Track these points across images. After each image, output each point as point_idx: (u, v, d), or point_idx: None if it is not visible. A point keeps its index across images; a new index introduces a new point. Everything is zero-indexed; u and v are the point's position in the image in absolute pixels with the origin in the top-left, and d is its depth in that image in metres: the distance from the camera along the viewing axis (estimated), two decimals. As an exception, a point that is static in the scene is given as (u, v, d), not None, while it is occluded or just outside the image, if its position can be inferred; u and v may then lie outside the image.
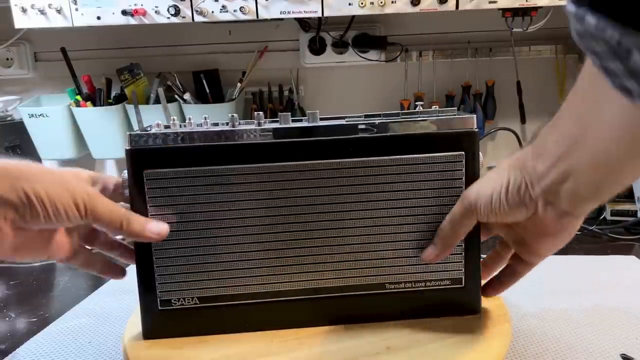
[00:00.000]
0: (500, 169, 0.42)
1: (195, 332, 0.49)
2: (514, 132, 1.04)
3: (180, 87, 1.12)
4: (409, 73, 1.17)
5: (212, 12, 0.95)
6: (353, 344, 0.47)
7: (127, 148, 0.46)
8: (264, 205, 0.47)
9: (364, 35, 1.14)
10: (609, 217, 0.88)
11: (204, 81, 1.13)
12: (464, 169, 0.47)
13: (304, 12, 0.94)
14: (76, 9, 0.96)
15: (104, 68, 1.16)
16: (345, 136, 0.46)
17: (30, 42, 1.24)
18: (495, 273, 0.51)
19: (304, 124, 0.47)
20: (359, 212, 0.47)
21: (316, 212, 0.47)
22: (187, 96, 1.10)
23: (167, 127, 0.48)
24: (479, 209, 0.42)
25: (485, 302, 0.51)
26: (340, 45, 1.16)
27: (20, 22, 0.99)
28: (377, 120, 0.46)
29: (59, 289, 0.73)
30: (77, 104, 1.13)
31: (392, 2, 0.93)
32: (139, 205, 0.46)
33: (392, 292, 0.49)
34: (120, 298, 0.67)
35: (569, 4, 0.24)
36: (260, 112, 0.48)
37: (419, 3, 0.92)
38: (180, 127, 0.47)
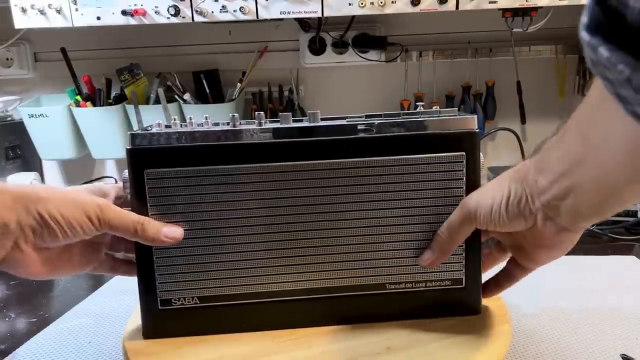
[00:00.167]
0: (500, 180, 0.42)
1: (196, 331, 0.49)
2: (514, 132, 1.04)
3: (180, 87, 1.12)
4: (409, 73, 1.17)
5: (212, 12, 0.95)
6: (353, 344, 0.47)
7: (128, 147, 0.46)
8: (264, 205, 0.47)
9: (364, 35, 1.14)
10: (609, 217, 0.88)
11: (204, 81, 1.13)
12: (464, 169, 0.47)
13: (304, 12, 0.94)
14: (76, 9, 0.96)
15: (104, 68, 1.17)
16: (346, 136, 0.46)
17: (30, 42, 1.24)
18: (487, 271, 0.51)
19: (305, 124, 0.47)
20: (359, 212, 0.47)
21: (316, 212, 0.47)
22: (187, 96, 1.10)
23: (167, 126, 0.48)
24: (479, 218, 0.43)
25: (486, 303, 0.51)
26: (340, 46, 1.16)
27: (20, 22, 0.99)
28: (377, 121, 0.46)
29: (59, 289, 0.73)
30: (77, 104, 1.13)
31: (392, 2, 0.93)
32: (139, 205, 0.46)
33: (393, 293, 0.49)
34: (120, 298, 0.67)
35: (582, 32, 0.24)
36: (261, 112, 0.48)
37: (419, 3, 0.92)
38: (181, 126, 0.47)
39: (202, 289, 0.48)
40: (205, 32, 1.18)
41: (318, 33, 1.14)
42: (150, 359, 0.46)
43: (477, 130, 0.47)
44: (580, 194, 0.36)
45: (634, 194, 0.34)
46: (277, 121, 0.47)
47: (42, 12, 0.97)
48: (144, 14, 0.96)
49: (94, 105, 1.14)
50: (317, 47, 1.16)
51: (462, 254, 0.48)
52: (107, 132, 1.14)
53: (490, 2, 0.92)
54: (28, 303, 0.68)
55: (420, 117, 0.47)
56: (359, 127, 0.46)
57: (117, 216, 0.43)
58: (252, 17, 0.95)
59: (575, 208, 0.37)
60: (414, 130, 0.46)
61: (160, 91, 0.96)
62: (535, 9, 0.97)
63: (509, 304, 0.53)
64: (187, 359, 0.46)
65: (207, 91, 1.13)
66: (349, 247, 0.48)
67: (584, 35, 0.24)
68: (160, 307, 0.48)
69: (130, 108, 1.12)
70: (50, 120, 1.14)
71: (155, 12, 0.96)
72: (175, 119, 0.48)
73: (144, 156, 0.45)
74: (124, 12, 0.96)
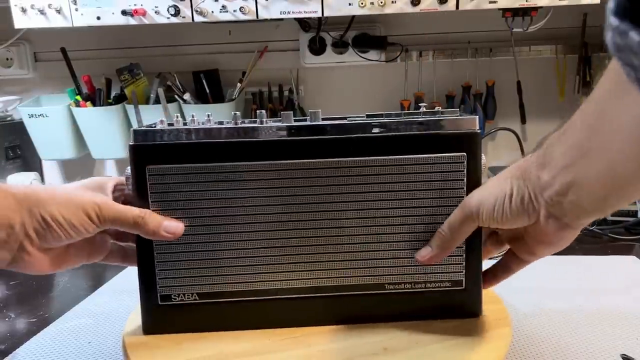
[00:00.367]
0: (501, 177, 0.42)
1: (195, 328, 0.49)
2: (514, 132, 1.04)
3: (180, 87, 1.12)
4: (409, 73, 1.17)
5: (212, 12, 0.95)
6: (351, 343, 0.47)
7: (131, 144, 0.46)
8: (264, 202, 0.47)
9: (364, 35, 1.14)
10: (609, 217, 0.88)
11: (204, 81, 1.13)
12: (465, 170, 0.46)
13: (304, 12, 0.94)
14: (76, 9, 0.96)
15: (104, 68, 1.17)
16: (348, 135, 0.46)
17: (30, 42, 1.24)
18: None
19: (307, 122, 0.47)
20: (359, 212, 0.47)
21: (316, 210, 0.47)
22: (187, 96, 1.10)
23: (170, 124, 0.48)
24: (481, 216, 0.42)
25: (486, 306, 0.50)
26: (340, 45, 1.16)
27: (20, 22, 0.99)
28: (381, 120, 0.46)
29: (59, 289, 0.73)
30: (77, 104, 1.13)
31: (392, 2, 0.93)
32: (141, 201, 0.46)
33: (392, 293, 0.49)
34: (120, 298, 0.67)
35: (610, 16, 0.24)
36: (262, 111, 0.48)
37: (419, 3, 0.92)
38: (184, 124, 0.47)
39: (201, 285, 0.48)
40: (205, 32, 1.18)
41: (318, 33, 1.14)
42: (149, 354, 0.46)
43: (478, 131, 0.47)
44: (583, 189, 0.35)
45: (639, 189, 0.34)
46: (279, 120, 0.47)
47: (42, 12, 0.97)
48: (144, 14, 0.96)
49: (94, 105, 1.14)
50: (317, 47, 1.16)
51: (462, 255, 0.48)
52: (107, 132, 1.14)
53: (490, 2, 0.92)
54: (28, 303, 0.68)
55: (421, 117, 0.47)
56: (369, 126, 0.46)
57: (116, 212, 0.44)
58: (252, 17, 0.95)
59: (577, 203, 0.37)
60: (416, 131, 0.46)
61: (160, 91, 0.96)
62: (535, 9, 0.97)
63: (508, 304, 0.53)
64: (186, 354, 0.46)
65: (207, 91, 1.13)
66: (349, 246, 0.48)
67: (613, 20, 0.24)
68: (160, 303, 0.48)
69: (130, 108, 1.12)
70: (50, 120, 1.14)
71: (155, 12, 0.96)
72: (177, 116, 0.48)
73: (146, 152, 0.46)
74: (124, 12, 0.96)
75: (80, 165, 1.29)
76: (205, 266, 0.48)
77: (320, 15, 0.94)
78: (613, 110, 0.32)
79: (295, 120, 0.47)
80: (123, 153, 1.16)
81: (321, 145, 0.46)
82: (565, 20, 1.09)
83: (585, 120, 0.35)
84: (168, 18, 0.96)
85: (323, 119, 0.48)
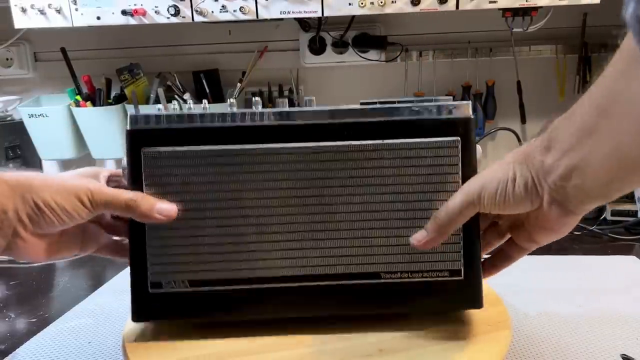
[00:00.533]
0: (504, 162, 0.41)
1: (185, 316, 0.48)
2: (514, 132, 1.04)
3: (180, 87, 1.12)
4: (409, 73, 1.17)
5: (212, 12, 0.95)
6: (346, 344, 0.46)
7: (127, 129, 0.47)
8: (257, 187, 0.46)
9: (364, 35, 1.14)
10: (609, 217, 0.88)
11: (204, 81, 1.13)
12: (459, 154, 0.46)
13: (304, 12, 0.94)
14: (76, 9, 0.96)
15: (104, 68, 1.16)
16: (341, 120, 0.46)
17: (30, 42, 1.24)
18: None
19: (300, 108, 0.47)
20: (353, 197, 0.46)
21: (310, 195, 0.46)
22: (187, 96, 1.10)
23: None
24: (483, 200, 0.41)
25: (487, 307, 0.50)
26: (340, 45, 1.16)
27: (20, 22, 0.99)
28: (374, 107, 0.47)
29: (59, 289, 0.73)
30: (77, 104, 1.13)
31: (392, 2, 0.93)
32: (135, 185, 0.46)
33: (388, 283, 0.47)
34: (120, 298, 0.67)
35: None
36: (258, 98, 0.49)
37: (419, 3, 0.92)
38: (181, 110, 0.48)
39: (193, 273, 0.47)
40: (205, 32, 1.18)
41: (318, 33, 1.14)
42: (148, 354, 0.46)
43: (471, 117, 0.47)
44: (588, 172, 0.35)
45: None
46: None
47: (42, 12, 0.97)
48: (144, 14, 0.96)
49: (94, 105, 1.14)
50: (317, 47, 1.16)
51: (459, 243, 0.47)
52: (107, 132, 1.14)
53: (490, 2, 0.92)
54: (28, 303, 0.68)
55: (415, 104, 0.47)
56: (363, 111, 0.47)
57: (108, 196, 0.44)
58: (252, 17, 0.95)
59: (581, 188, 0.36)
60: (410, 116, 0.46)
61: (160, 91, 0.96)
62: (535, 9, 0.97)
63: (508, 305, 0.53)
64: (185, 353, 0.46)
65: (207, 91, 1.13)
66: (343, 232, 0.47)
67: None
68: (150, 290, 0.47)
69: (130, 108, 1.12)
70: (50, 120, 1.14)
71: (155, 12, 0.96)
72: (175, 103, 0.49)
73: (142, 136, 0.46)
74: (124, 12, 0.96)
75: (80, 165, 1.28)
76: (197, 252, 0.47)
77: (320, 15, 0.94)
78: (625, 90, 0.31)
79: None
80: (123, 153, 1.16)
81: (314, 129, 0.46)
82: (565, 20, 1.09)
83: (594, 102, 0.34)
84: (168, 18, 0.96)
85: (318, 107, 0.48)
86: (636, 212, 0.87)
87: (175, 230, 0.47)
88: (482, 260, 0.49)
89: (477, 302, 0.48)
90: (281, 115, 0.47)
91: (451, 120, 0.47)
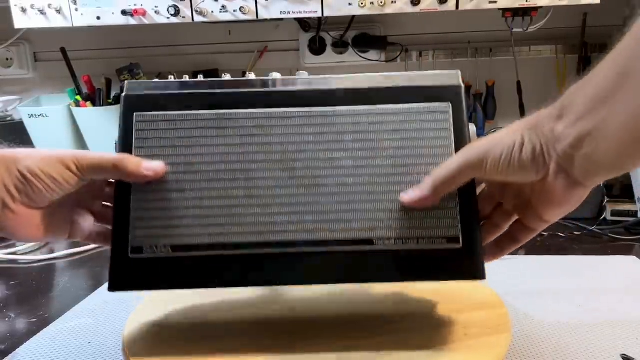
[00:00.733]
0: (511, 128, 0.40)
1: (166, 284, 0.45)
2: (514, 132, 1.04)
3: (180, 87, 1.12)
4: (409, 73, 1.17)
5: (212, 12, 0.95)
6: (342, 346, 0.46)
7: (123, 94, 0.48)
8: (246, 150, 0.46)
9: (364, 35, 1.14)
10: (609, 218, 0.88)
11: (204, 81, 1.13)
12: (451, 119, 0.46)
13: (304, 12, 0.94)
14: (76, 9, 0.96)
15: (104, 68, 1.17)
16: (331, 87, 0.48)
17: (30, 42, 1.24)
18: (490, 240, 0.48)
19: (289, 77, 0.49)
20: (343, 161, 0.45)
21: (300, 159, 0.46)
22: (187, 96, 1.10)
23: None
24: (485, 163, 0.39)
25: (488, 310, 0.50)
26: (340, 45, 1.16)
27: (20, 22, 0.99)
28: (365, 75, 0.48)
29: (59, 289, 0.73)
30: (77, 104, 1.13)
31: (392, 2, 0.93)
32: (125, 147, 0.46)
33: (382, 250, 0.44)
34: (120, 298, 0.67)
35: None
36: (252, 73, 0.50)
37: (419, 3, 0.92)
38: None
39: (177, 237, 0.45)
40: (205, 32, 1.18)
41: (318, 33, 1.14)
42: (149, 354, 0.46)
43: (461, 85, 0.48)
44: (600, 140, 0.33)
45: None
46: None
47: (42, 12, 0.97)
48: (144, 14, 0.96)
49: (94, 105, 1.14)
50: (317, 47, 1.17)
51: (455, 209, 0.45)
52: (107, 132, 1.14)
53: (490, 2, 0.92)
54: (28, 303, 0.68)
55: (404, 73, 0.48)
56: (353, 80, 0.48)
57: (95, 159, 0.44)
58: (252, 17, 0.95)
59: (591, 158, 0.34)
60: (399, 83, 0.48)
61: (160, 91, 0.95)
62: (535, 9, 0.97)
63: (508, 305, 0.53)
64: (184, 353, 0.46)
65: (207, 91, 1.13)
66: (334, 197, 0.45)
67: None
68: (130, 256, 0.45)
69: (130, 108, 1.12)
70: (50, 120, 1.14)
71: (155, 12, 0.96)
72: (174, 76, 0.50)
73: (135, 101, 0.47)
74: (124, 12, 0.96)
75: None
76: (182, 215, 0.45)
77: (320, 15, 0.94)
78: None
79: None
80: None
81: (305, 96, 0.47)
82: (565, 20, 1.09)
83: (612, 69, 0.33)
84: (168, 18, 0.96)
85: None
86: (636, 212, 0.86)
87: (161, 193, 0.45)
88: (487, 242, 0.47)
89: (478, 273, 0.44)
90: (272, 82, 0.48)
91: (440, 87, 0.47)
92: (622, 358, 0.50)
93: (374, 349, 0.45)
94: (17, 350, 0.56)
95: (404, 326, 0.49)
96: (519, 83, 1.14)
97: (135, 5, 0.96)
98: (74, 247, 0.83)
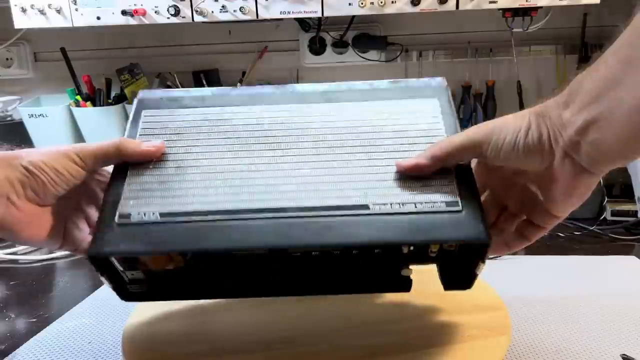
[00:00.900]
0: (519, 114, 0.39)
1: (150, 250, 0.42)
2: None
3: (180, 87, 1.12)
4: (409, 73, 1.17)
5: (212, 12, 0.95)
6: (338, 346, 0.46)
7: (137, 98, 0.51)
8: (241, 110, 0.49)
9: (364, 35, 1.14)
10: (609, 217, 0.88)
11: (204, 81, 1.13)
12: (439, 109, 0.48)
13: (304, 12, 0.94)
14: (76, 9, 0.96)
15: (104, 68, 1.17)
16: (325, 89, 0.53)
17: (30, 42, 1.24)
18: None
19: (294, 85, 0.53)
20: (338, 142, 0.46)
21: (292, 122, 0.47)
22: (187, 96, 1.10)
23: None
24: (488, 146, 0.39)
25: (488, 312, 0.50)
26: (340, 45, 1.16)
27: (20, 22, 0.99)
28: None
29: (58, 289, 0.73)
30: (77, 104, 1.13)
31: (392, 2, 0.93)
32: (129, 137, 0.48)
33: (379, 214, 0.42)
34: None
35: None
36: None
37: (419, 3, 0.92)
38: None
39: (167, 206, 0.43)
40: (205, 32, 1.18)
41: (318, 33, 1.14)
42: (148, 354, 0.46)
43: (446, 86, 0.51)
44: (607, 127, 0.33)
45: None
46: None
47: (42, 12, 0.97)
48: (144, 14, 0.96)
49: (94, 105, 1.14)
50: (317, 47, 1.16)
51: (453, 181, 0.43)
52: (107, 132, 1.14)
53: (490, 2, 0.92)
54: (28, 303, 0.68)
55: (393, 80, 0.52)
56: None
57: (95, 147, 0.44)
58: (252, 17, 0.95)
59: (597, 144, 0.34)
60: (385, 86, 0.52)
61: (160, 91, 0.95)
62: (535, 9, 0.97)
63: (508, 305, 0.53)
64: (181, 350, 0.46)
65: (207, 91, 1.13)
66: (326, 163, 0.45)
67: None
68: (117, 221, 0.42)
69: (130, 108, 1.11)
70: (50, 120, 1.14)
71: (155, 12, 0.96)
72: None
73: (146, 103, 0.50)
74: (124, 12, 0.96)
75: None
76: (176, 188, 0.44)
77: (320, 15, 0.94)
78: None
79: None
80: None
81: (306, 94, 0.52)
82: (565, 20, 1.09)
83: (618, 55, 0.33)
84: (168, 18, 0.96)
85: None
86: (636, 212, 0.86)
87: (157, 170, 0.45)
88: (495, 240, 0.44)
89: (480, 236, 0.40)
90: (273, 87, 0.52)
91: (428, 88, 0.51)
92: (622, 358, 0.50)
93: (374, 349, 0.46)
94: (17, 350, 0.56)
95: (404, 327, 0.49)
96: (519, 83, 1.14)
97: (135, 5, 0.96)
98: (74, 247, 0.83)
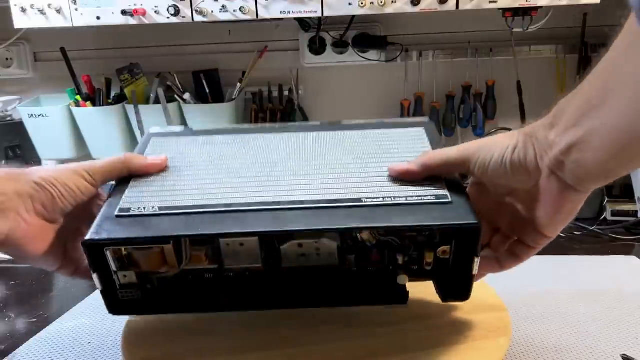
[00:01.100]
0: (508, 134, 0.41)
1: (149, 236, 0.42)
2: (514, 132, 1.04)
3: (180, 87, 1.12)
4: (409, 73, 1.17)
5: (212, 12, 0.95)
6: (337, 346, 0.46)
7: (150, 131, 0.56)
8: (249, 152, 0.50)
9: (364, 35, 1.14)
10: (609, 217, 0.88)
11: (203, 81, 1.13)
12: (426, 135, 0.53)
13: (304, 12, 0.94)
14: (76, 9, 0.96)
15: (104, 68, 1.16)
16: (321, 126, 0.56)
17: (29, 42, 1.24)
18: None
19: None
20: (334, 158, 0.49)
21: (288, 143, 0.50)
22: (186, 96, 1.10)
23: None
24: (476, 163, 0.41)
25: (489, 313, 0.50)
26: (340, 45, 1.16)
27: (20, 22, 0.99)
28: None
29: (58, 289, 0.73)
30: (77, 104, 1.13)
31: (392, 2, 0.93)
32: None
33: (371, 206, 0.43)
34: (120, 298, 0.67)
35: None
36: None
37: (419, 3, 0.92)
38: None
39: (166, 201, 0.44)
40: (205, 32, 1.18)
41: (318, 33, 1.14)
42: (148, 354, 0.46)
43: (427, 120, 0.56)
44: (587, 149, 0.34)
45: None
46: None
47: (41, 12, 0.97)
48: (144, 13, 0.96)
49: (94, 105, 1.14)
50: (317, 47, 1.16)
51: (442, 181, 0.45)
52: (107, 132, 1.14)
53: (490, 2, 0.92)
54: (28, 303, 0.68)
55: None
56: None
57: (102, 163, 0.46)
58: (252, 17, 0.95)
59: (580, 164, 0.35)
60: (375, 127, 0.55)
61: (160, 91, 0.96)
62: (535, 9, 0.97)
63: (508, 305, 0.53)
64: (181, 349, 0.46)
65: (207, 91, 1.13)
66: (321, 159, 0.49)
67: None
68: (116, 214, 0.43)
69: (130, 108, 1.12)
70: (50, 120, 1.14)
71: (155, 12, 0.96)
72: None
73: (157, 135, 0.56)
74: (123, 12, 0.96)
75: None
76: (177, 189, 0.46)
77: (320, 15, 0.94)
78: (629, 60, 0.31)
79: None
80: (122, 153, 1.16)
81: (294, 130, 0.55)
82: (565, 20, 1.09)
83: (599, 76, 0.34)
84: (168, 18, 0.96)
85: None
86: (636, 212, 0.87)
87: (159, 177, 0.48)
88: (488, 257, 0.47)
89: (471, 219, 0.41)
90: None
91: (413, 122, 0.56)
92: (622, 358, 0.50)
93: (375, 349, 0.46)
94: (17, 350, 0.56)
95: (404, 327, 0.49)
96: (519, 83, 1.14)
97: (135, 5, 0.96)
98: (74, 247, 0.83)
